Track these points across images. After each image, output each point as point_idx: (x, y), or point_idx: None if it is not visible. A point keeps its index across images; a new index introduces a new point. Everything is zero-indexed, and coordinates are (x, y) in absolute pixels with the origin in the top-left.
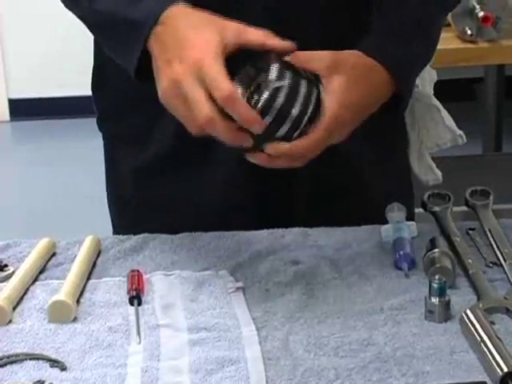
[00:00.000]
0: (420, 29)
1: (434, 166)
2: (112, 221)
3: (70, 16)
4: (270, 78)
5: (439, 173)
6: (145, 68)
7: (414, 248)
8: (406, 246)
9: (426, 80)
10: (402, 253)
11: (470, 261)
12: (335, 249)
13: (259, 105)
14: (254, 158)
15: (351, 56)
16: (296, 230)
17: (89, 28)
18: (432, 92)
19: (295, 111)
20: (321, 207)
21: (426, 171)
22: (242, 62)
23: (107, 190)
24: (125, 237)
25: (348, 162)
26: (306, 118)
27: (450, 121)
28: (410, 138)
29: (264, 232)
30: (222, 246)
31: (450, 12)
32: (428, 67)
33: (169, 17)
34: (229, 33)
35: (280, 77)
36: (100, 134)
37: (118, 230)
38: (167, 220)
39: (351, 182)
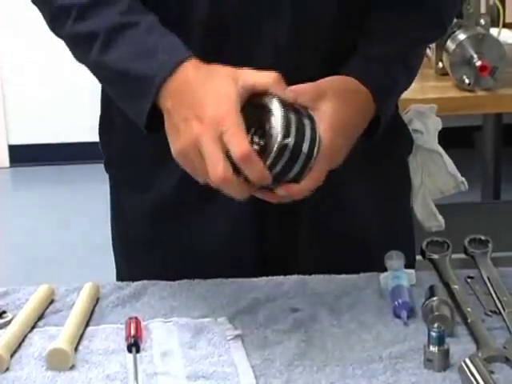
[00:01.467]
0: (399, 58)
1: (437, 212)
2: (116, 263)
3: (71, 63)
4: (276, 131)
5: (442, 220)
6: (154, 120)
7: (412, 296)
8: (405, 294)
9: (431, 128)
10: (400, 301)
11: (469, 309)
12: (334, 296)
13: (269, 161)
14: (263, 196)
15: (332, 82)
16: (295, 277)
17: (98, 79)
18: (436, 140)
19: (303, 154)
20: (321, 255)
21: (430, 218)
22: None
23: (112, 232)
24: (124, 283)
25: (350, 210)
26: (313, 158)
27: (452, 167)
28: (413, 185)
29: (263, 279)
30: (221, 293)
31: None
32: (433, 115)
33: (180, 73)
34: (241, 81)
35: (287, 128)
36: (101, 180)
37: (121, 273)
38: (168, 264)
39: (352, 229)
